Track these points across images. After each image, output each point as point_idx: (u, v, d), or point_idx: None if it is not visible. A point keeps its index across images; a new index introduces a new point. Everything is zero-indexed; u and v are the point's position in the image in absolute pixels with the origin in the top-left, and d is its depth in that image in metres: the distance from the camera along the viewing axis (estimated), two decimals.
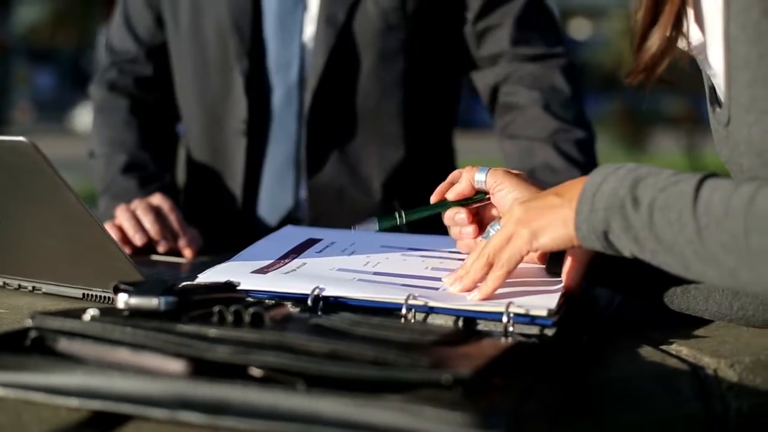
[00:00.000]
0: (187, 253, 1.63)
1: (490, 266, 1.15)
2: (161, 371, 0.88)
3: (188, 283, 1.10)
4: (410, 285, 1.19)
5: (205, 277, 1.23)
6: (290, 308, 1.08)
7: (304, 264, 1.29)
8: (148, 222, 1.62)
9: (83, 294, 1.28)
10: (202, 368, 0.87)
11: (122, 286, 1.00)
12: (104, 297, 1.26)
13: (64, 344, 0.92)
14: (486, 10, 1.88)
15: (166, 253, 1.63)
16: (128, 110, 1.94)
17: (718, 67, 1.15)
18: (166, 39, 1.97)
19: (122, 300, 0.99)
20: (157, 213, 1.64)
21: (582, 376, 1.03)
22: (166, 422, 0.84)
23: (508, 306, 1.08)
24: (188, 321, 0.97)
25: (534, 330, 1.09)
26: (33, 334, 0.94)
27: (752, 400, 1.05)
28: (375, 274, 1.25)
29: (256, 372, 0.88)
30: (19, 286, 1.35)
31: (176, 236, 1.64)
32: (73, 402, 0.86)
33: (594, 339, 1.13)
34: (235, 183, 1.90)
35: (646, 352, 1.12)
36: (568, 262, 1.18)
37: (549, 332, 1.09)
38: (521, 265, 1.17)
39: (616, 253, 1.09)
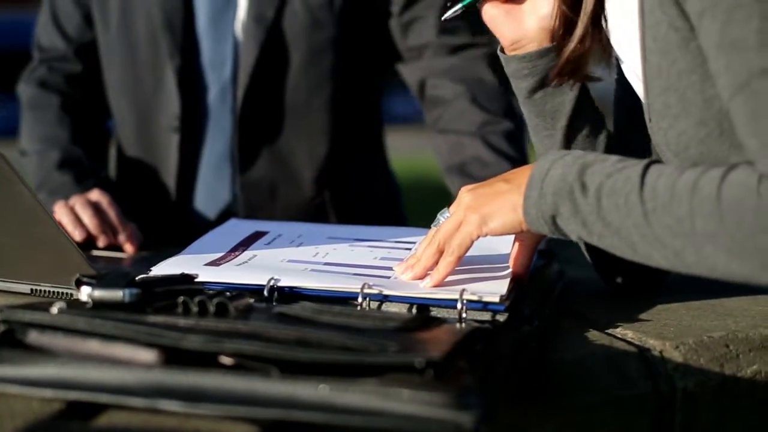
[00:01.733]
0: (128, 247, 1.63)
1: (440, 253, 1.18)
2: (132, 361, 0.89)
3: (147, 275, 1.11)
4: (362, 274, 1.21)
5: (159, 270, 1.23)
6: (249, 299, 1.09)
7: (255, 256, 1.30)
8: (87, 217, 1.61)
9: (31, 289, 1.27)
10: (172, 358, 0.89)
11: (85, 279, 1.01)
12: (53, 292, 1.26)
13: (34, 337, 0.92)
14: (411, 1, 1.91)
15: (106, 248, 1.62)
16: (59, 107, 1.92)
17: (633, 69, 1.21)
18: (95, 36, 1.96)
19: (86, 292, 0.99)
20: (95, 208, 1.64)
21: (535, 359, 1.06)
22: (140, 411, 0.85)
23: (461, 293, 1.10)
24: (152, 312, 0.98)
25: (486, 316, 1.12)
26: (0, 327, 0.94)
27: (697, 379, 1.10)
28: (326, 264, 1.27)
29: (226, 360, 0.89)
30: None
31: (116, 231, 1.63)
32: (48, 393, 0.86)
33: (542, 323, 1.16)
34: (169, 179, 1.89)
35: (594, 335, 1.16)
36: (515, 248, 1.21)
37: (500, 318, 1.12)
38: (468, 253, 1.20)
39: (563, 237, 1.12)
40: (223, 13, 1.85)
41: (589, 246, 1.29)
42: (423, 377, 0.84)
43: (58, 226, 1.19)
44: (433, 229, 1.24)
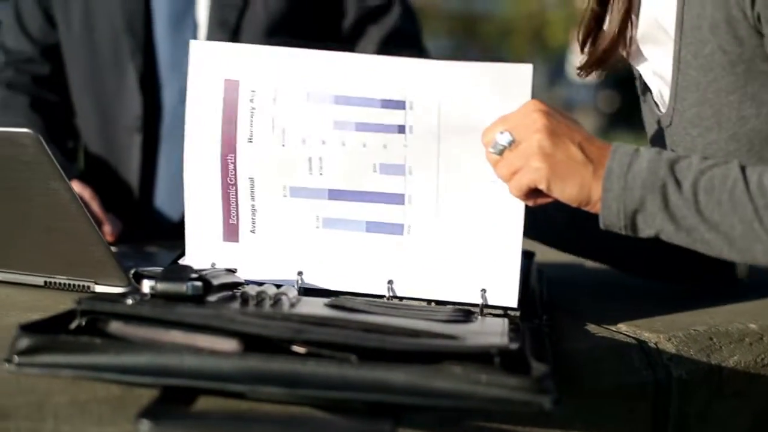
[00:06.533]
0: (109, 239, 1.66)
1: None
2: (213, 350, 0.94)
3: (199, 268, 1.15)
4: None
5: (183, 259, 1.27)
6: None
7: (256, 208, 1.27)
8: None
9: (45, 282, 1.31)
10: (248, 347, 0.94)
11: (145, 273, 1.06)
12: (68, 284, 1.29)
13: (116, 327, 0.96)
14: (365, 18, 1.98)
15: None
16: (29, 106, 1.93)
17: (655, 70, 1.29)
18: (59, 38, 1.97)
19: (148, 285, 1.04)
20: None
21: (553, 349, 1.15)
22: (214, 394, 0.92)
23: (483, 293, 1.19)
24: (212, 304, 1.04)
25: (498, 310, 1.20)
26: (80, 317, 0.98)
27: (690, 368, 1.21)
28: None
29: (299, 349, 0.95)
30: None
31: (99, 223, 1.67)
32: (148, 380, 0.91)
33: (549, 317, 1.25)
34: (131, 178, 1.92)
35: (593, 329, 1.26)
36: None
37: (511, 312, 1.20)
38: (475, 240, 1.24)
39: (632, 233, 1.12)
40: (182, 16, 1.89)
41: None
42: (494, 364, 0.92)
43: (92, 222, 1.23)
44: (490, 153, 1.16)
